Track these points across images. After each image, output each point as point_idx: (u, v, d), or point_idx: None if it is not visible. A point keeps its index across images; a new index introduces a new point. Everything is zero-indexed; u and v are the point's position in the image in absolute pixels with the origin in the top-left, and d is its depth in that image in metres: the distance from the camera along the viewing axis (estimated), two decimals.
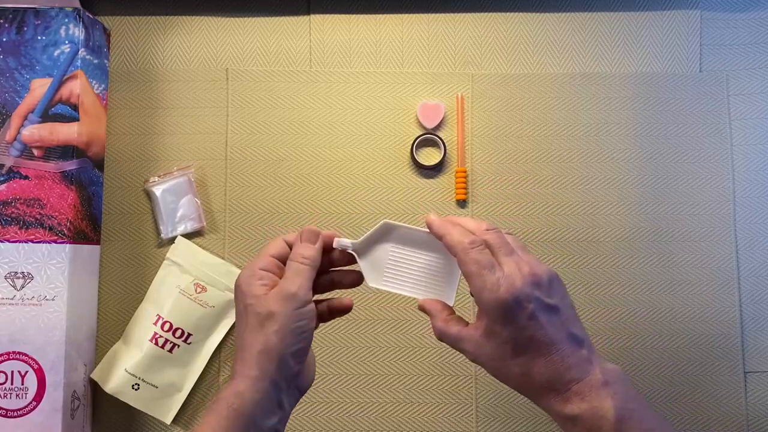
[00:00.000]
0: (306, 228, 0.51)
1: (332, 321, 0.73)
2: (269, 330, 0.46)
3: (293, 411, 0.73)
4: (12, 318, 0.66)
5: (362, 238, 0.52)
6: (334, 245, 0.52)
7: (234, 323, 0.73)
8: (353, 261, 0.53)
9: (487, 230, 0.48)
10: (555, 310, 0.46)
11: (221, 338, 0.73)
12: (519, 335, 0.45)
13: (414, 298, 0.52)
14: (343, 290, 0.54)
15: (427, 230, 0.50)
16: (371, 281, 0.52)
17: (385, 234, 0.52)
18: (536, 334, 0.45)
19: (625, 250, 0.75)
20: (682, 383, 0.74)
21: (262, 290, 0.48)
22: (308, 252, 0.49)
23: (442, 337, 0.49)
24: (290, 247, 0.51)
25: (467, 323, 0.49)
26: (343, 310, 0.54)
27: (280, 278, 0.49)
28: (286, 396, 0.48)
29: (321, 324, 0.74)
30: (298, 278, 0.48)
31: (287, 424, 0.70)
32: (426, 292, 0.52)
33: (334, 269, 0.54)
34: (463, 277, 0.48)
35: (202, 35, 0.77)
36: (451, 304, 0.51)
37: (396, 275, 0.52)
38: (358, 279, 0.53)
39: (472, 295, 0.47)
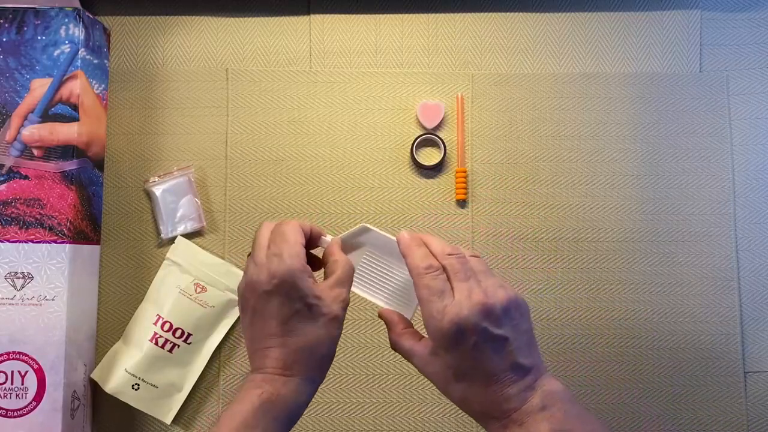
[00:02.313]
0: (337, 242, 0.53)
1: None
2: (334, 334, 0.49)
3: None
4: (12, 318, 0.66)
5: (340, 236, 0.54)
6: (319, 243, 0.54)
7: (234, 323, 0.73)
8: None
9: (449, 255, 0.48)
10: (502, 341, 0.45)
11: (221, 338, 0.73)
12: (460, 363, 0.46)
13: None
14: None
15: None
16: None
17: (361, 236, 0.54)
18: (477, 364, 0.45)
19: (625, 250, 0.75)
20: (682, 383, 0.74)
21: (317, 290, 0.49)
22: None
23: (395, 348, 0.51)
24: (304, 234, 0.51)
25: (421, 338, 0.50)
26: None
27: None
28: None
29: None
30: (348, 291, 0.50)
31: None
32: (389, 300, 0.53)
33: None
34: None
35: (202, 35, 0.77)
36: (409, 317, 0.52)
37: (365, 278, 0.54)
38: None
39: None
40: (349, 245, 0.54)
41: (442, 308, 0.45)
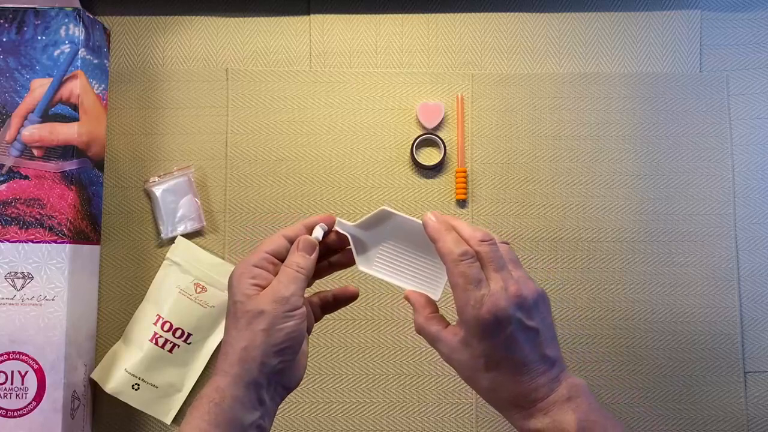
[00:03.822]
0: (303, 238, 0.50)
1: (333, 321, 0.74)
2: (257, 328, 0.47)
3: (294, 410, 0.73)
4: (12, 318, 0.66)
5: (359, 221, 0.52)
6: (336, 226, 0.52)
7: None
8: (348, 243, 0.53)
9: (482, 241, 0.47)
10: (533, 332, 0.46)
11: (221, 338, 0.72)
12: (493, 353, 0.46)
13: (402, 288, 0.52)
14: (347, 281, 0.54)
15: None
16: (361, 265, 0.53)
17: (382, 220, 0.52)
18: (510, 354, 0.46)
19: (625, 250, 0.75)
20: (682, 383, 0.74)
21: (252, 290, 0.48)
22: (304, 262, 0.49)
23: (420, 332, 0.50)
24: (290, 242, 0.51)
25: (448, 324, 0.49)
26: (349, 298, 0.55)
27: (274, 275, 0.49)
28: (267, 393, 0.48)
29: (321, 324, 0.74)
30: (292, 285, 0.48)
31: (286, 421, 0.70)
32: (414, 283, 0.52)
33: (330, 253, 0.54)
34: None
35: (202, 35, 0.77)
36: (437, 299, 0.51)
37: (387, 262, 0.53)
38: (353, 259, 0.54)
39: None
40: (367, 230, 0.53)
41: (480, 297, 0.45)
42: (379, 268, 0.53)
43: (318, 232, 0.51)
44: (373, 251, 0.53)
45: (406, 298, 0.52)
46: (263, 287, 0.48)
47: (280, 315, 0.47)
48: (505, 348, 0.46)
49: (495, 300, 0.45)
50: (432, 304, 0.51)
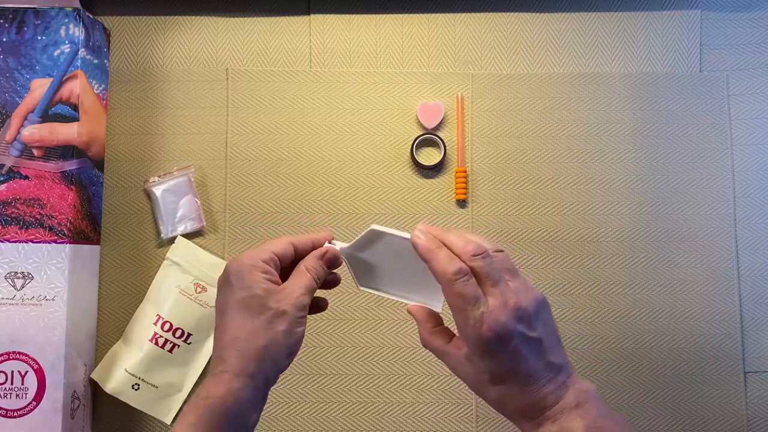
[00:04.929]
0: (333, 250, 0.51)
1: (333, 321, 0.74)
2: (278, 328, 0.47)
3: (294, 410, 0.73)
4: (12, 318, 0.66)
5: (351, 243, 0.52)
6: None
7: None
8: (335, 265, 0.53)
9: (474, 255, 0.45)
10: (536, 342, 0.45)
11: None
12: (498, 368, 0.45)
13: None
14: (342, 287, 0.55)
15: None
16: (360, 284, 0.53)
17: (373, 240, 0.51)
18: (515, 367, 0.45)
19: (625, 250, 0.75)
20: (682, 383, 0.74)
21: (270, 285, 0.48)
22: (323, 274, 0.51)
23: (426, 347, 0.50)
24: (296, 250, 0.51)
25: (452, 336, 0.49)
26: (317, 310, 0.55)
27: (279, 276, 0.49)
28: (269, 389, 0.49)
29: (322, 324, 0.74)
30: (309, 294, 0.49)
31: (286, 421, 0.70)
32: (415, 296, 0.52)
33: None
34: None
35: (202, 35, 0.77)
36: (440, 310, 0.51)
37: (385, 278, 0.53)
38: (337, 280, 0.55)
39: None
40: (361, 249, 0.52)
41: (479, 316, 0.44)
42: (378, 286, 0.53)
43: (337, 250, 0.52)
44: (369, 269, 0.53)
45: (409, 312, 0.52)
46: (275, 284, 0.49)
47: (295, 319, 0.48)
48: (509, 362, 0.45)
49: (495, 317, 0.44)
50: (435, 317, 0.51)
